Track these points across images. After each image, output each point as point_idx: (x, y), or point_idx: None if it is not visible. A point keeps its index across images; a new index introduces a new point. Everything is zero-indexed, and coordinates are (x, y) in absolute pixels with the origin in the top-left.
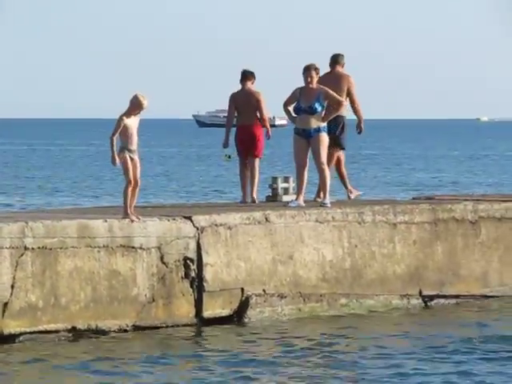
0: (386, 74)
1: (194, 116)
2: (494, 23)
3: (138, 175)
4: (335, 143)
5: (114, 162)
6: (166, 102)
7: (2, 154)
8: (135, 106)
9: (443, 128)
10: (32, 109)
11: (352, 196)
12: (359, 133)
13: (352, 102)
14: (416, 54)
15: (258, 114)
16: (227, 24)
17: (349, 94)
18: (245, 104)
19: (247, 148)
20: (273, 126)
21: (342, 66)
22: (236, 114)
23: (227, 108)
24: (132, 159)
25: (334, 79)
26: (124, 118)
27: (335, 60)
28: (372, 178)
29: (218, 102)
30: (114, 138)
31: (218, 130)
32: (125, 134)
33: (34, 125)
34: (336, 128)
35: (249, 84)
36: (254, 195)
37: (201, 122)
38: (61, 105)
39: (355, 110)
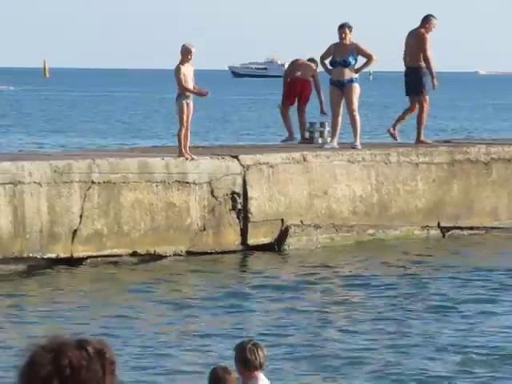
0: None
1: (229, 67)
2: None
3: (190, 119)
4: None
5: (204, 93)
6: (202, 54)
7: (80, 99)
8: (185, 52)
9: (447, 80)
10: None
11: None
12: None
13: (424, 54)
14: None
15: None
16: None
17: (423, 47)
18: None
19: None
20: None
21: (422, 27)
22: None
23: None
24: (187, 105)
25: (415, 36)
26: (180, 66)
27: (423, 19)
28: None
29: (249, 56)
30: (184, 85)
31: (250, 79)
32: (179, 81)
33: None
34: (413, 77)
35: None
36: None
37: (235, 73)
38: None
39: (426, 64)
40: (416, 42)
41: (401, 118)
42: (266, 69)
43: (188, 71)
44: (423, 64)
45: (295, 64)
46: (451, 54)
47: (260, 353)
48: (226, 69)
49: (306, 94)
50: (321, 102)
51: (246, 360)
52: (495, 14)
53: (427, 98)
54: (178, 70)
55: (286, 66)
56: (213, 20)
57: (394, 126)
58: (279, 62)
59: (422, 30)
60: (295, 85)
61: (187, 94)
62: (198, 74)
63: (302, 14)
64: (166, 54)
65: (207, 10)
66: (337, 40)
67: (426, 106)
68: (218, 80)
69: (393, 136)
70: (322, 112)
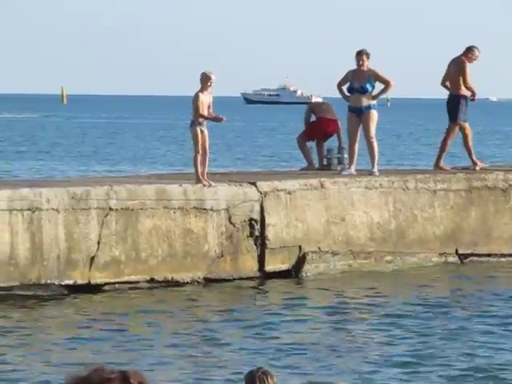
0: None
1: (242, 94)
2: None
3: (207, 145)
4: (450, 117)
5: (219, 119)
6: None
7: (91, 126)
8: (204, 80)
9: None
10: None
11: (477, 168)
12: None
13: (464, 82)
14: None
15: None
16: None
17: (462, 75)
18: None
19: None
20: (309, 103)
21: (464, 55)
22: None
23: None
24: (202, 132)
25: (456, 64)
26: (199, 94)
27: (467, 48)
28: (408, 150)
29: (261, 82)
30: (202, 113)
31: (262, 106)
32: (196, 108)
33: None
34: (451, 103)
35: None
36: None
37: (248, 100)
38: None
39: (468, 88)
40: (457, 70)
41: (442, 150)
42: (278, 95)
43: (206, 99)
44: (462, 92)
45: (321, 105)
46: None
47: (270, 381)
48: (239, 95)
49: (331, 133)
50: (340, 138)
51: None
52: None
53: (464, 124)
54: (196, 98)
55: (300, 94)
56: (226, 46)
57: (437, 161)
58: (291, 89)
59: (463, 58)
60: (322, 124)
61: (201, 120)
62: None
63: (314, 40)
64: (179, 80)
65: (220, 35)
66: (351, 66)
67: (468, 132)
68: (231, 106)
69: (443, 169)
70: (341, 147)
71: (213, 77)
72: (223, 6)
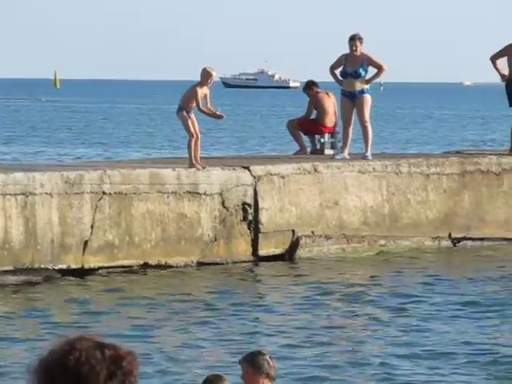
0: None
1: (220, 78)
2: None
3: (198, 129)
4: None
5: (220, 116)
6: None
7: (87, 111)
8: (205, 76)
9: (432, 91)
10: None
11: None
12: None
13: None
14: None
15: None
16: None
17: None
18: None
19: None
20: (287, 87)
21: None
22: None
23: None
24: (189, 117)
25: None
26: (198, 89)
27: None
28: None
29: (240, 66)
30: (202, 108)
31: (240, 90)
32: (189, 99)
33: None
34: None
35: None
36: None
37: (226, 84)
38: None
39: None
40: None
41: None
42: (256, 79)
43: (203, 93)
44: None
45: (327, 102)
46: (436, 65)
47: (274, 365)
48: (218, 80)
49: (327, 132)
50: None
51: (261, 368)
52: (480, 23)
53: None
54: (194, 92)
55: (278, 78)
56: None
57: None
58: (269, 73)
59: None
60: (320, 128)
61: (189, 108)
62: (189, 85)
63: (294, 26)
64: (166, 66)
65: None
66: (330, 52)
67: None
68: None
69: None
70: (334, 132)
71: (214, 74)
72: None
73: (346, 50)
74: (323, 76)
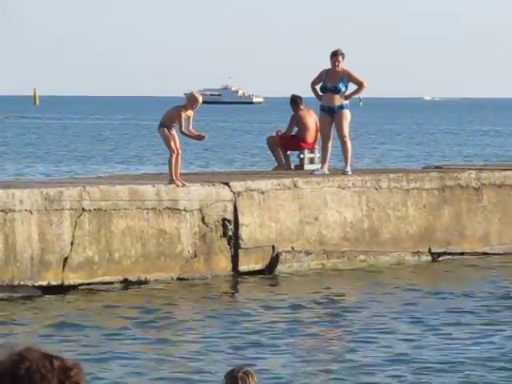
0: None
1: (184, 94)
2: None
3: (178, 145)
4: None
5: (202, 137)
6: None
7: (71, 126)
8: (192, 101)
9: (394, 106)
10: None
11: None
12: None
13: None
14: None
15: None
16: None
17: None
18: None
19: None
20: (251, 103)
21: None
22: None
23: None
24: (170, 133)
25: None
26: (182, 113)
27: None
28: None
29: (204, 82)
30: (184, 130)
31: (204, 106)
32: (172, 119)
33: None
34: None
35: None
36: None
37: None
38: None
39: None
40: None
41: None
42: (220, 95)
43: (187, 116)
44: None
45: (308, 119)
46: (398, 80)
47: (251, 381)
48: (183, 95)
49: (307, 148)
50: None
51: None
52: (441, 41)
53: None
54: (179, 115)
55: (242, 94)
56: (173, 46)
57: None
58: (233, 89)
59: None
60: (300, 145)
61: (168, 125)
62: (154, 101)
63: (257, 42)
64: (139, 81)
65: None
66: (293, 69)
67: None
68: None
69: None
70: (313, 147)
71: (200, 100)
72: (168, 8)
73: (313, 64)
74: (285, 91)
